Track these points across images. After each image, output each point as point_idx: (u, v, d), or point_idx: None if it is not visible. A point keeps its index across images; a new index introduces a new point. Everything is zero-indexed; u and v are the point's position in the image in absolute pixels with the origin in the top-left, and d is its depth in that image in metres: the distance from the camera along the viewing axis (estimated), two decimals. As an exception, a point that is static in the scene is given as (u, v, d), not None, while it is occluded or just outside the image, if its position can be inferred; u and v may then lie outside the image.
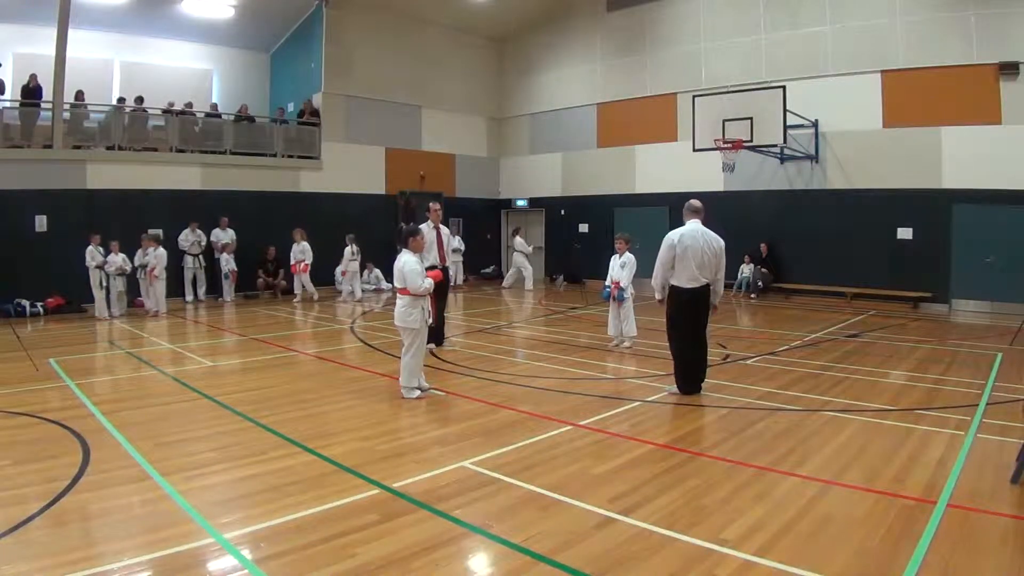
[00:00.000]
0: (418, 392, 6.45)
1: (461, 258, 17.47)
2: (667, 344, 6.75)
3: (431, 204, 9.28)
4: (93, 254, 11.87)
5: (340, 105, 17.32)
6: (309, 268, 15.15)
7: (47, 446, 4.96)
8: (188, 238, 14.53)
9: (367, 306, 14.28)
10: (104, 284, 12.03)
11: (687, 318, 6.37)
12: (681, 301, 6.34)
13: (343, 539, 3.44)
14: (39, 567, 3.12)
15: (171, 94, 15.59)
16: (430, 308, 6.52)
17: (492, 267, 20.83)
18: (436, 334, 8.60)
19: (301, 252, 15.07)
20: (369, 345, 9.39)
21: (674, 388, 6.47)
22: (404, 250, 6.41)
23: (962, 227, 12.97)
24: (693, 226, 6.39)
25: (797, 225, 15.09)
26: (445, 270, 8.90)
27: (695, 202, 6.61)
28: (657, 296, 6.57)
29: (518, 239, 17.69)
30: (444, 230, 9.19)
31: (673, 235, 6.32)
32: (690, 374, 6.40)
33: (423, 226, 8.43)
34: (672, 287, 6.34)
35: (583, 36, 18.98)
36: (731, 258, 15.98)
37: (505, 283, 18.17)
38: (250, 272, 15.52)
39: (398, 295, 6.40)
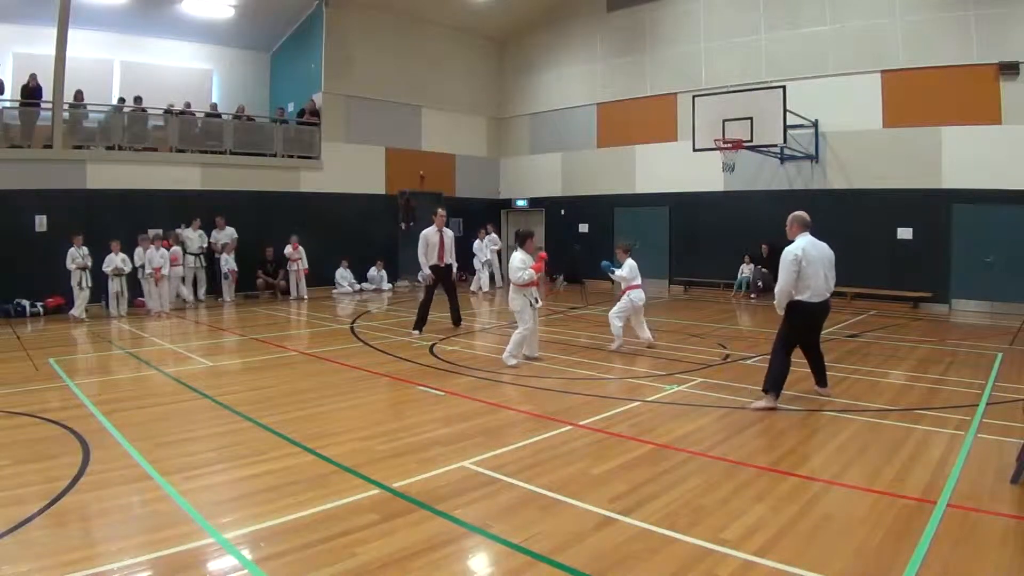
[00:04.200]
0: (514, 361, 7.75)
1: (496, 259, 17.79)
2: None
3: (438, 210, 10.61)
4: (73, 255, 11.85)
5: (340, 105, 17.32)
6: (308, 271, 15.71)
7: (47, 446, 4.96)
8: (190, 236, 14.51)
9: (371, 307, 14.27)
10: (88, 284, 12.01)
11: (809, 331, 6.23)
12: (804, 316, 6.06)
13: (343, 539, 3.44)
14: (39, 567, 3.12)
15: (171, 94, 15.60)
16: (536, 295, 8.01)
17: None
18: (454, 317, 10.71)
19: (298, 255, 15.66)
20: (369, 345, 9.39)
21: (763, 399, 6.06)
22: (518, 249, 7.94)
23: (962, 227, 12.97)
24: (810, 239, 6.04)
25: (797, 225, 15.07)
26: (448, 268, 10.44)
27: (805, 215, 6.21)
28: (780, 312, 6.21)
29: (494, 235, 17.93)
30: (448, 233, 10.53)
31: (794, 248, 5.96)
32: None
33: (428, 229, 10.21)
34: (795, 303, 5.99)
35: (583, 36, 18.98)
36: (732, 258, 16.19)
37: (473, 286, 17.43)
38: (250, 272, 15.53)
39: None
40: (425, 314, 10.18)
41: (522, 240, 8.06)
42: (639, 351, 8.87)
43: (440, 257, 10.28)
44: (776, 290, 6.07)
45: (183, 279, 13.84)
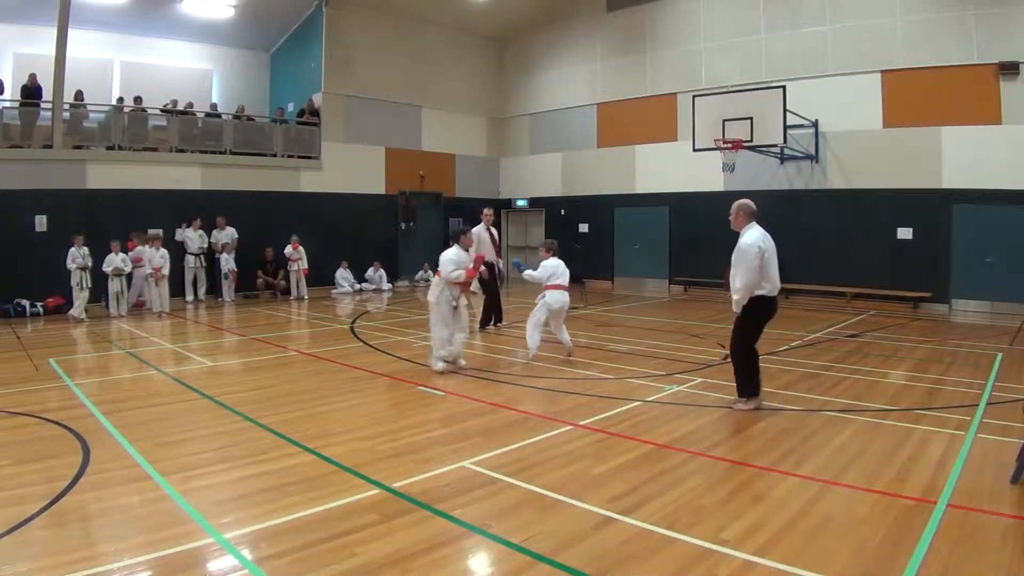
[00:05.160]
0: (441, 364, 7.40)
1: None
2: (733, 355, 6.02)
3: (485, 209, 11.11)
4: (74, 255, 11.85)
5: (340, 105, 17.32)
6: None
7: (47, 446, 4.96)
8: (190, 236, 14.50)
9: (371, 307, 14.27)
10: (88, 284, 12.01)
11: (761, 328, 5.93)
12: (765, 311, 5.82)
13: (343, 539, 3.44)
14: (39, 567, 3.12)
15: (171, 94, 15.60)
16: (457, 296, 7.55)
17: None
18: (496, 315, 10.79)
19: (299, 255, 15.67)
20: (369, 345, 9.39)
21: (748, 403, 5.87)
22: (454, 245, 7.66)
23: (962, 227, 12.98)
24: (762, 229, 5.79)
25: (797, 225, 15.07)
26: (492, 265, 10.46)
27: (752, 204, 5.92)
28: (736, 309, 5.83)
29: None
30: (494, 231, 10.87)
31: (755, 240, 5.65)
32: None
33: (478, 227, 10.34)
34: (758, 299, 5.70)
35: (583, 36, 18.98)
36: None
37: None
38: (250, 272, 15.53)
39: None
40: (498, 307, 10.70)
41: (456, 237, 7.76)
42: (637, 351, 8.86)
43: (494, 254, 10.53)
44: (739, 287, 5.67)
45: (147, 278, 12.95)
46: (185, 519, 3.68)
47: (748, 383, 5.88)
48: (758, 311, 5.77)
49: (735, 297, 5.74)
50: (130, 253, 12.83)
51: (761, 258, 5.58)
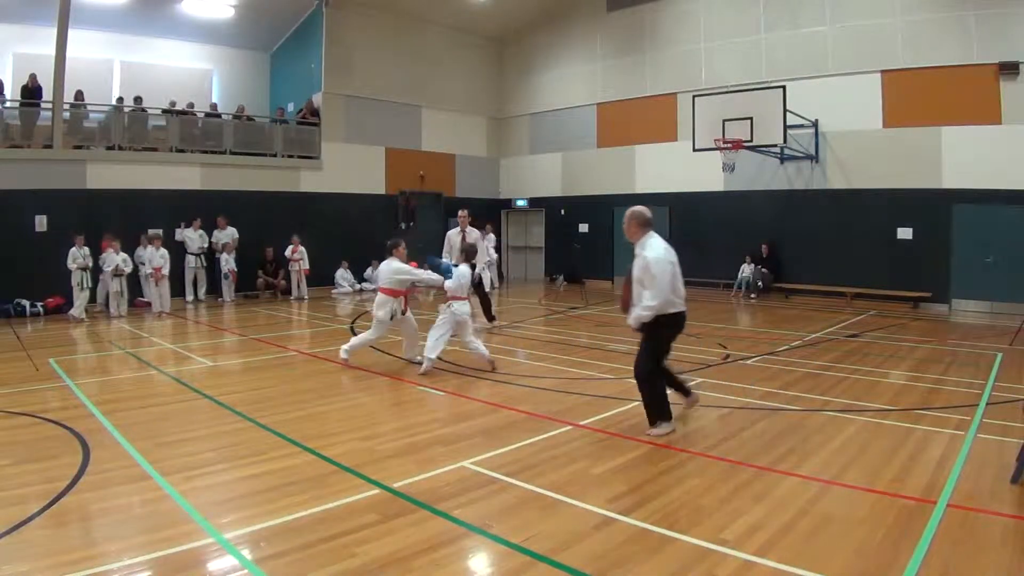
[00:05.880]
0: (345, 355, 7.78)
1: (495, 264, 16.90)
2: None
3: (460, 211, 10.94)
4: (75, 255, 11.85)
5: (340, 105, 17.32)
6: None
7: (47, 446, 4.96)
8: (191, 236, 14.51)
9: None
10: (88, 284, 12.01)
11: (670, 345, 5.40)
12: (675, 326, 5.28)
13: (343, 539, 3.44)
14: (39, 567, 3.12)
15: (171, 94, 15.60)
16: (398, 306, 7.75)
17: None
18: (487, 315, 10.80)
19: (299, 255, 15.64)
20: (369, 345, 9.37)
21: (663, 428, 5.25)
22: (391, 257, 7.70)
23: (962, 227, 12.98)
24: (662, 240, 5.27)
25: (797, 225, 15.10)
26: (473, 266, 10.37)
27: (646, 212, 5.31)
28: (635, 325, 5.22)
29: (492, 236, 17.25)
30: (472, 233, 10.69)
31: (664, 255, 5.12)
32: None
33: (452, 230, 10.47)
34: (667, 316, 5.14)
35: (583, 36, 18.99)
36: (731, 258, 16.19)
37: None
38: (250, 272, 15.53)
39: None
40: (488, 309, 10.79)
41: (390, 250, 7.84)
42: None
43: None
44: (652, 304, 5.01)
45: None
46: (185, 519, 3.68)
47: (661, 408, 5.26)
48: (670, 327, 5.22)
49: (644, 314, 5.09)
50: (103, 255, 12.43)
51: (672, 271, 5.09)
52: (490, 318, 10.84)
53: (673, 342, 5.40)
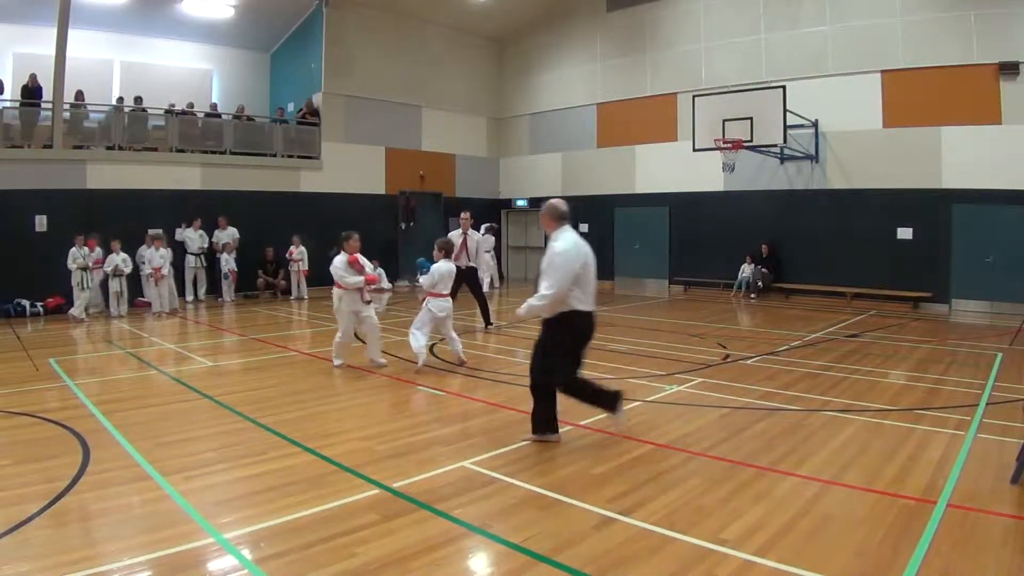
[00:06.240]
0: (339, 361, 7.82)
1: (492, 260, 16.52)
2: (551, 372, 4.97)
3: (462, 213, 10.95)
4: (75, 255, 11.85)
5: (340, 105, 17.32)
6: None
7: (47, 446, 4.96)
8: (191, 236, 14.51)
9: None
10: (89, 285, 12.02)
11: (580, 350, 5.00)
12: (579, 330, 4.90)
13: (343, 539, 3.44)
14: (39, 567, 3.12)
15: (171, 94, 15.60)
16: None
17: None
18: (484, 319, 10.76)
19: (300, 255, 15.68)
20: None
21: (541, 437, 5.03)
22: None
23: (962, 227, 12.97)
24: (575, 233, 4.98)
25: (797, 225, 15.10)
26: (469, 270, 10.44)
27: (561, 205, 5.00)
28: (524, 311, 4.88)
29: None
30: (473, 236, 10.69)
31: (574, 244, 4.83)
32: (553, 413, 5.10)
33: (454, 232, 10.44)
34: (572, 312, 4.79)
35: (583, 36, 18.98)
36: (732, 258, 16.20)
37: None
38: (250, 272, 15.53)
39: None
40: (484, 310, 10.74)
41: (341, 242, 7.70)
42: (637, 351, 8.86)
43: (457, 257, 10.15)
44: (545, 291, 4.69)
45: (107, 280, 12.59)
46: (185, 519, 3.68)
47: (554, 421, 5.03)
48: (570, 328, 4.84)
49: (536, 304, 4.76)
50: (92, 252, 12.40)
51: (579, 265, 4.76)
52: (488, 323, 10.74)
53: (582, 352, 5.02)
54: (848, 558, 3.23)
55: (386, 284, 8.71)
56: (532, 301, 4.82)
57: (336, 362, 7.90)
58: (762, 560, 3.20)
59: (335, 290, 7.85)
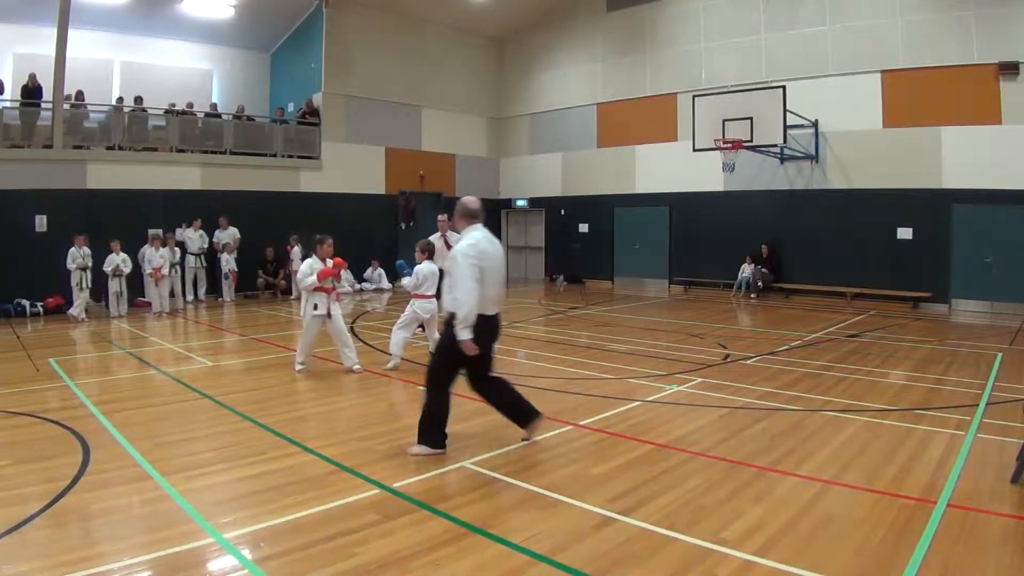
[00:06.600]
0: (300, 366, 7.68)
1: None
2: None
3: (439, 216, 10.33)
4: (74, 255, 11.85)
5: (340, 105, 17.32)
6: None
7: (47, 446, 4.96)
8: (191, 236, 14.51)
9: (371, 307, 14.27)
10: (88, 284, 12.01)
11: (486, 355, 4.82)
12: (487, 334, 4.73)
13: (343, 539, 3.45)
14: (39, 567, 3.12)
15: (171, 94, 15.61)
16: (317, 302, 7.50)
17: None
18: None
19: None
20: (369, 345, 9.39)
21: (428, 450, 4.76)
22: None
23: (962, 227, 12.98)
24: (485, 232, 4.83)
25: (797, 225, 15.10)
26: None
27: (472, 203, 4.93)
28: (467, 336, 4.53)
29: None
30: (453, 237, 10.04)
31: (476, 242, 4.68)
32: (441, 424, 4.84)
33: (433, 236, 9.81)
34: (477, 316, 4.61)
35: (583, 36, 18.99)
36: (732, 258, 16.21)
37: None
38: (250, 272, 15.53)
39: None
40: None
41: (313, 246, 7.58)
42: (637, 351, 8.86)
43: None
44: (463, 301, 4.52)
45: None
46: (185, 519, 3.68)
47: (441, 429, 4.80)
48: (475, 332, 4.60)
49: (460, 313, 4.54)
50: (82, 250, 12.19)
51: (478, 268, 4.57)
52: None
53: (491, 352, 4.89)
54: (848, 558, 3.23)
55: (346, 288, 8.50)
56: (460, 314, 4.54)
57: (298, 367, 7.69)
58: (762, 560, 3.20)
59: (303, 292, 7.77)
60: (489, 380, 4.98)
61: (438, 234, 10.26)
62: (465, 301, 4.52)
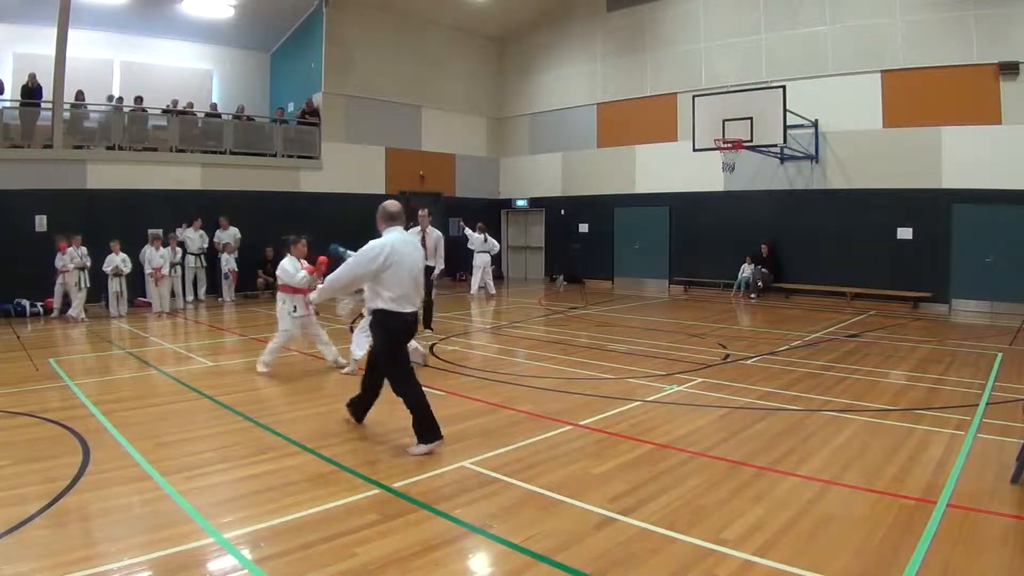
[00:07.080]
0: (264, 368, 7.52)
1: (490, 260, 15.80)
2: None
3: (420, 211, 10.45)
4: (73, 256, 11.83)
5: (340, 105, 17.32)
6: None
7: (47, 446, 4.95)
8: (191, 236, 14.51)
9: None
10: (87, 284, 12.02)
11: (396, 351, 5.02)
12: (401, 330, 4.96)
13: (343, 539, 3.44)
14: (39, 567, 3.12)
15: (171, 94, 15.59)
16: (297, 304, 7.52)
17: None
18: (425, 320, 9.93)
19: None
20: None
21: (426, 447, 4.81)
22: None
23: (962, 227, 12.98)
24: (402, 234, 5.07)
25: (797, 225, 15.10)
26: (428, 269, 9.84)
27: (392, 206, 5.15)
28: (318, 299, 5.47)
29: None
30: (432, 234, 10.34)
31: (382, 243, 4.88)
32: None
33: (412, 229, 9.86)
34: (382, 312, 4.86)
35: (583, 36, 18.99)
36: (732, 258, 16.21)
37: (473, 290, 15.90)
38: (250, 272, 15.53)
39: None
40: (427, 312, 10.11)
41: (287, 245, 7.58)
42: (637, 351, 8.86)
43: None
44: (334, 275, 4.99)
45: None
46: (185, 519, 3.68)
47: (429, 418, 4.86)
48: (384, 328, 4.89)
49: (322, 286, 5.19)
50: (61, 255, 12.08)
51: (380, 263, 4.75)
52: (428, 326, 10.06)
53: (400, 350, 5.05)
54: (848, 558, 3.23)
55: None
56: (319, 286, 5.18)
57: (262, 368, 7.54)
58: (762, 560, 3.20)
59: (279, 294, 7.71)
60: (380, 377, 5.25)
61: (417, 228, 10.25)
62: (336, 276, 4.98)
